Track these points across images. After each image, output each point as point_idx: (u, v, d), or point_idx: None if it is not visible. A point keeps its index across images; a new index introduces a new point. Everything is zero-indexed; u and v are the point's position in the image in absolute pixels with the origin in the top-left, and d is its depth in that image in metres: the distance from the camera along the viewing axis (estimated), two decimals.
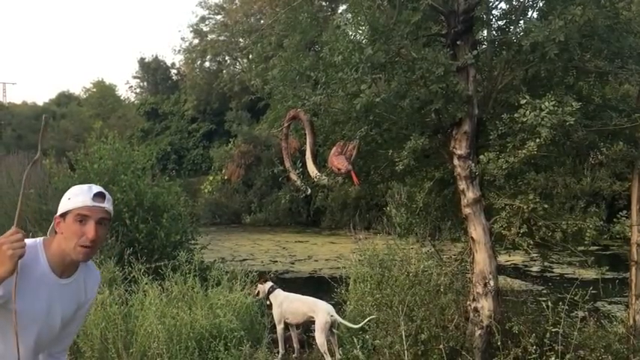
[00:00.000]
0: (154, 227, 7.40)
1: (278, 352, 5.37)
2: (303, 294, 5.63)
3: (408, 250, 6.19)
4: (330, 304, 5.33)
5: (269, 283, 5.65)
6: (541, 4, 4.38)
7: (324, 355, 4.84)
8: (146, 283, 5.33)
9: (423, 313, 4.25)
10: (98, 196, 1.84)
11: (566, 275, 10.05)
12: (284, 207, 22.82)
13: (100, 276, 2.11)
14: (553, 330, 3.62)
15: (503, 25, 4.51)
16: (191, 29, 36.10)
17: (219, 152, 28.66)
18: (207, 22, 36.04)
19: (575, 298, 3.61)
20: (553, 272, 10.62)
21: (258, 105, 25.72)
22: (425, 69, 3.75)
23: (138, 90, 45.20)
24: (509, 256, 5.94)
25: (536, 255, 6.14)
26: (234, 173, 26.33)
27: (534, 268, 11.21)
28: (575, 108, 3.50)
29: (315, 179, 4.59)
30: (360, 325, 4.81)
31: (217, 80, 33.35)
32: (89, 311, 2.78)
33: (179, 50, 43.01)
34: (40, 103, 51.58)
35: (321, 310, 5.05)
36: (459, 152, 4.17)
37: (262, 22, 30.85)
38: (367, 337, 4.70)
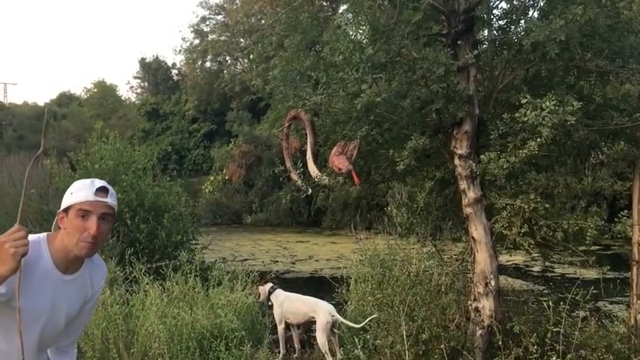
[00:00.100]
0: (155, 227, 7.41)
1: (279, 352, 5.36)
2: (304, 294, 5.62)
3: (408, 250, 6.19)
4: (331, 304, 5.32)
5: (269, 284, 5.65)
6: (542, 4, 4.37)
7: (325, 355, 4.83)
8: (147, 283, 5.34)
9: (424, 312, 4.25)
10: (101, 190, 1.79)
11: (567, 275, 10.03)
12: (285, 207, 22.84)
13: (106, 267, 2.06)
14: (554, 330, 3.62)
15: (504, 24, 4.50)
16: (192, 29, 36.20)
17: (220, 152, 28.69)
18: (207, 23, 36.13)
19: (577, 298, 3.61)
20: (554, 272, 10.61)
21: (259, 105, 25.72)
22: (426, 69, 3.75)
23: (139, 90, 45.37)
24: (511, 255, 5.92)
25: (537, 255, 6.13)
26: (235, 173, 26.34)
27: (535, 268, 11.20)
28: (576, 107, 3.49)
29: (316, 179, 4.59)
30: (361, 324, 4.80)
31: (218, 80, 33.40)
32: (97, 304, 2.74)
33: (180, 50, 43.01)
34: (41, 103, 51.93)
35: (322, 310, 5.05)
36: (459, 152, 4.16)
37: (263, 22, 30.89)
38: (368, 337, 4.70)
